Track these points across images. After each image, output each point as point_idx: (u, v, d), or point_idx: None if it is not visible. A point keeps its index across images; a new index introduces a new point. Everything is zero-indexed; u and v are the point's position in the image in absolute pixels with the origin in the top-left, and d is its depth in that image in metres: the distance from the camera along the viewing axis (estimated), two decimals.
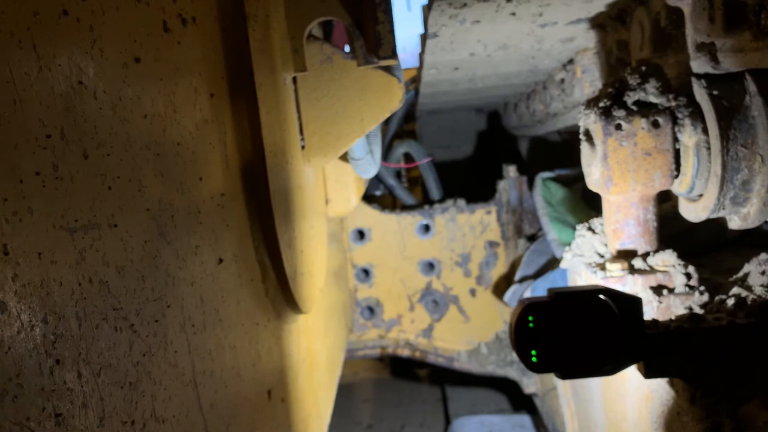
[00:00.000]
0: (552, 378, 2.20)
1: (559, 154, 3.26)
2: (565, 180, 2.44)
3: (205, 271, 0.86)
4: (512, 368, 2.77)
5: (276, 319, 1.20)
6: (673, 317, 1.04)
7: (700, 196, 1.10)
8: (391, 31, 1.20)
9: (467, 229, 2.76)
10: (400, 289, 2.82)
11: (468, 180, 3.81)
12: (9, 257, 0.48)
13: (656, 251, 1.22)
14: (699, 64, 1.00)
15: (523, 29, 1.70)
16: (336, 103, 1.34)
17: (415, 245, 2.78)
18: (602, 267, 1.24)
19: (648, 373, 0.95)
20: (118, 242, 0.63)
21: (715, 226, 1.20)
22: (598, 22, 1.70)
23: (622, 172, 1.16)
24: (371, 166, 1.66)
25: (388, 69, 1.33)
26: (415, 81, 2.64)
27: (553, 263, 2.29)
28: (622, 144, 1.14)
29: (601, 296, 0.91)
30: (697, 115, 1.07)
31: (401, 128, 3.13)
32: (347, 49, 1.65)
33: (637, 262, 1.21)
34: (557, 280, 2.09)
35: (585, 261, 1.32)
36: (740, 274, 1.18)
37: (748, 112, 0.98)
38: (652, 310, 1.13)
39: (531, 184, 2.59)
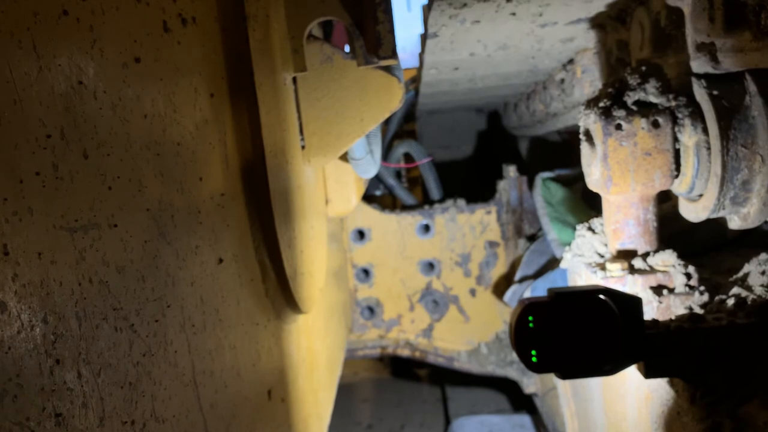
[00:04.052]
0: (552, 378, 2.20)
1: (559, 154, 3.26)
2: (565, 180, 2.44)
3: (205, 271, 0.86)
4: (512, 368, 2.77)
5: (276, 319, 1.20)
6: (673, 317, 1.04)
7: (700, 196, 1.10)
8: (391, 31, 1.20)
9: (467, 229, 2.76)
10: (400, 289, 2.82)
11: (468, 180, 3.81)
12: (9, 257, 0.48)
13: (656, 251, 1.22)
14: (699, 64, 1.00)
15: (523, 29, 1.70)
16: (336, 103, 1.34)
17: (415, 245, 2.78)
18: (602, 267, 1.24)
19: (648, 373, 0.95)
20: (118, 242, 0.63)
21: (715, 226, 1.20)
22: (598, 22, 1.70)
23: (622, 172, 1.16)
24: (371, 166, 1.66)
25: (388, 69, 1.33)
26: (415, 81, 2.64)
27: (553, 263, 2.29)
28: (622, 144, 1.14)
29: (601, 296, 0.91)
30: (697, 115, 1.07)
31: (401, 128, 3.13)
32: (347, 49, 1.65)
33: (637, 262, 1.21)
34: (557, 280, 2.09)
35: (585, 261, 1.32)
36: (740, 274, 1.18)
37: (748, 112, 0.98)
38: (652, 310, 1.13)
39: (531, 184, 2.59)
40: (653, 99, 1.13)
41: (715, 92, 1.00)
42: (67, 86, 0.57)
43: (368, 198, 2.83)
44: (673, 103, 1.11)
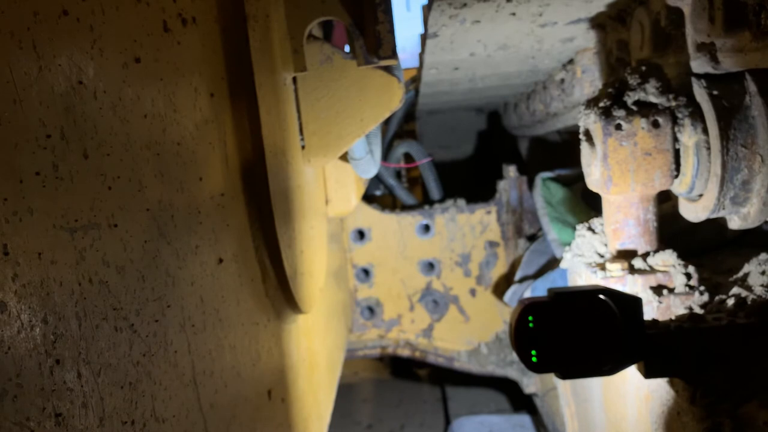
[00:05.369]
0: (552, 378, 2.20)
1: (559, 154, 3.26)
2: (565, 180, 2.44)
3: (205, 271, 0.86)
4: (512, 368, 2.77)
5: (276, 319, 1.20)
6: (673, 317, 1.04)
7: (700, 196, 1.10)
8: (391, 31, 1.20)
9: (467, 229, 2.76)
10: (400, 289, 2.82)
11: (468, 180, 3.81)
12: (9, 257, 0.48)
13: (656, 251, 1.22)
14: (699, 64, 1.00)
15: (523, 29, 1.70)
16: (336, 103, 1.34)
17: (415, 245, 2.78)
18: (602, 267, 1.24)
19: (648, 373, 0.95)
20: (118, 242, 0.63)
21: (715, 226, 1.20)
22: (598, 22, 1.70)
23: (622, 172, 1.16)
24: (371, 166, 1.66)
25: (388, 69, 1.33)
26: (415, 81, 2.64)
27: (553, 263, 2.29)
28: (622, 144, 1.14)
29: (601, 296, 0.91)
30: (697, 115, 1.07)
31: (401, 128, 3.12)
32: (347, 49, 1.65)
33: (637, 262, 1.21)
34: (557, 280, 2.09)
35: (585, 261, 1.32)
36: (740, 274, 1.18)
37: (748, 112, 0.98)
38: (652, 310, 1.13)
39: (531, 184, 2.59)
40: (653, 99, 1.13)
41: (715, 92, 1.00)
42: (67, 86, 0.57)
43: (368, 198, 2.83)
44: (673, 103, 1.11)
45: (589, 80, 1.99)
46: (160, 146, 0.75)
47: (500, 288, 2.73)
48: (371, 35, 1.21)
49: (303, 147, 1.36)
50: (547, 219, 2.32)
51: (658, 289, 1.16)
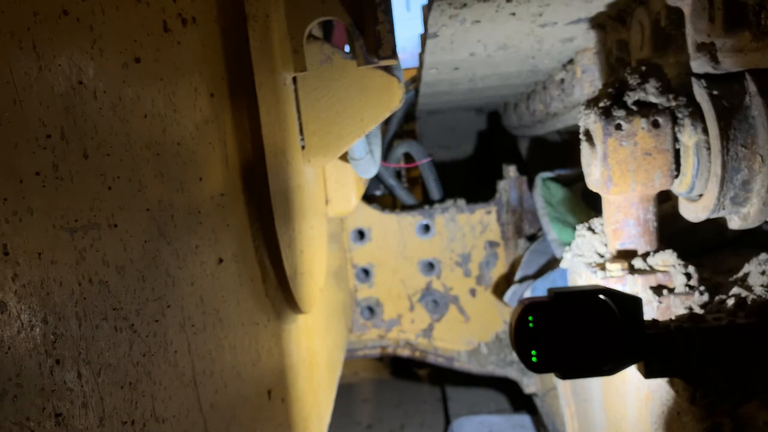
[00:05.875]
0: (552, 378, 2.20)
1: (559, 154, 3.26)
2: (565, 180, 2.44)
3: (205, 271, 0.86)
4: (512, 368, 2.77)
5: (276, 319, 1.20)
6: (673, 317, 1.04)
7: (700, 196, 1.10)
8: (391, 31, 1.20)
9: (467, 229, 2.76)
10: (400, 289, 2.82)
11: (468, 180, 3.81)
12: (9, 257, 0.48)
13: (656, 251, 1.22)
14: (699, 64, 1.00)
15: (523, 29, 1.70)
16: (336, 103, 1.34)
17: (415, 245, 2.78)
18: (602, 267, 1.24)
19: (648, 373, 0.95)
20: (118, 242, 0.63)
21: (715, 226, 1.20)
22: (598, 22, 1.70)
23: (622, 172, 1.16)
24: (371, 166, 1.66)
25: (388, 69, 1.33)
26: (415, 81, 2.64)
27: (553, 263, 2.29)
28: (622, 144, 1.14)
29: (601, 296, 0.91)
30: (697, 115, 1.07)
31: (401, 128, 3.12)
32: (347, 49, 1.65)
33: (637, 262, 1.21)
34: (557, 280, 2.09)
35: (585, 261, 1.32)
36: (740, 274, 1.18)
37: (748, 112, 0.98)
38: (652, 310, 1.13)
39: (531, 184, 2.59)
40: (653, 99, 1.13)
41: (715, 92, 1.00)
42: (67, 86, 0.57)
43: (368, 198, 2.83)
44: (673, 103, 1.11)
45: (589, 80, 1.99)
46: (160, 146, 0.75)
47: (500, 288, 2.73)
48: (371, 35, 1.21)
49: (303, 147, 1.36)
50: (547, 219, 2.32)
51: (658, 289, 1.16)
